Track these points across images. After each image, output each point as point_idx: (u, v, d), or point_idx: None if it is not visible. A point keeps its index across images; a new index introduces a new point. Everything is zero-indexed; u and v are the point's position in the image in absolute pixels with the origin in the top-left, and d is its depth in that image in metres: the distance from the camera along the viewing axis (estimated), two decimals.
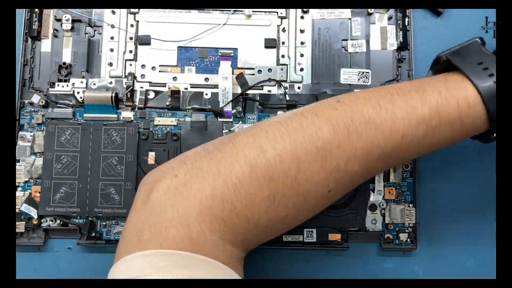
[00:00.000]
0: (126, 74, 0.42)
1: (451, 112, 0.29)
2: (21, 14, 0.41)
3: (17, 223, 0.39)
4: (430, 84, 0.30)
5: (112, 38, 0.42)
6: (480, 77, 0.29)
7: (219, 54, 0.42)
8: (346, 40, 0.43)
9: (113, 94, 0.40)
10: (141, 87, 0.42)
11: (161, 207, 0.27)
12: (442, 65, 0.32)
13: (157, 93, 0.42)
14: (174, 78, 0.42)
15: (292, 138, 0.28)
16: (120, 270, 0.27)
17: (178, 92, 0.41)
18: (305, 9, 0.43)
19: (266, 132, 0.29)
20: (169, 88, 0.42)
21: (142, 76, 0.42)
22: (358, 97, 0.30)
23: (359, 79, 0.42)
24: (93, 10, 0.42)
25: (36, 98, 0.41)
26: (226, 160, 0.28)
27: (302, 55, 0.42)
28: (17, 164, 0.40)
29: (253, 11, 0.43)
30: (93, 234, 0.40)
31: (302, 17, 0.43)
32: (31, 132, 0.40)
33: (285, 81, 0.42)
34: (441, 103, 0.29)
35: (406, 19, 0.42)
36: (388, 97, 0.29)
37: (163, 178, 0.28)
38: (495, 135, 0.31)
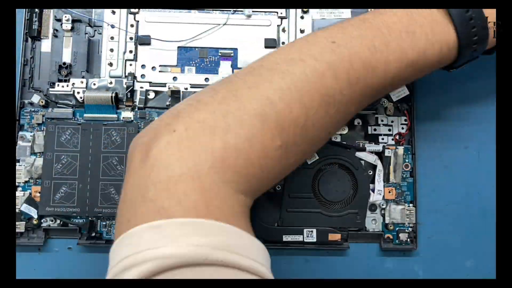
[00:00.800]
0: (126, 74, 0.42)
1: (435, 56, 0.31)
2: (21, 14, 0.41)
3: (17, 223, 0.39)
4: (419, 23, 0.31)
5: (112, 38, 0.42)
6: (464, 25, 0.31)
7: (219, 54, 0.42)
8: None
9: (113, 94, 0.40)
10: (141, 87, 0.42)
11: (166, 162, 0.26)
12: None
13: (157, 93, 0.42)
14: (174, 78, 0.42)
15: (298, 87, 0.28)
16: (126, 245, 0.25)
17: (178, 92, 0.41)
18: (305, 9, 0.43)
19: (270, 82, 0.29)
20: (169, 88, 0.42)
21: (142, 76, 0.42)
22: (353, 36, 0.30)
23: None
24: (93, 10, 0.42)
25: (36, 98, 0.41)
26: (234, 114, 0.28)
27: None
28: (17, 164, 0.40)
29: (253, 11, 0.43)
30: (93, 234, 0.40)
31: (302, 17, 0.43)
32: (31, 132, 0.40)
33: None
34: (427, 47, 0.31)
35: None
36: (381, 38, 0.30)
37: (160, 134, 0.27)
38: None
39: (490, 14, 0.31)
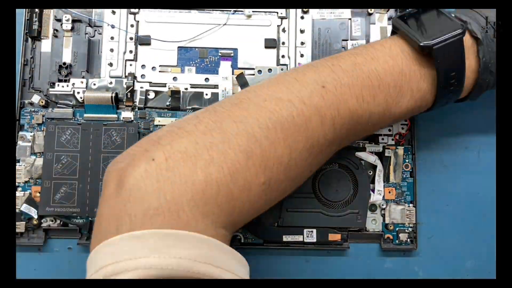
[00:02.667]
0: (126, 74, 0.42)
1: (414, 109, 0.33)
2: (21, 14, 0.41)
3: (17, 223, 0.39)
4: (407, 78, 0.32)
5: (112, 38, 0.42)
6: (445, 90, 0.32)
7: (219, 54, 0.42)
8: (346, 40, 0.43)
9: (113, 94, 0.40)
10: (141, 87, 0.42)
11: (142, 194, 0.25)
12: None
13: (157, 93, 0.42)
14: (174, 78, 0.42)
15: (284, 128, 0.29)
16: (105, 253, 0.25)
17: (178, 92, 0.41)
18: (305, 9, 0.43)
19: (256, 120, 0.28)
20: (169, 88, 0.42)
21: (142, 76, 0.42)
22: (343, 83, 0.30)
23: None
24: (93, 10, 0.42)
25: (36, 98, 0.41)
26: (218, 147, 0.27)
27: (302, 55, 0.42)
28: (17, 164, 0.40)
29: (253, 11, 0.43)
30: None
31: (302, 17, 0.43)
32: (31, 132, 0.40)
33: None
34: (410, 104, 0.32)
35: None
36: (370, 89, 0.31)
37: (137, 162, 0.26)
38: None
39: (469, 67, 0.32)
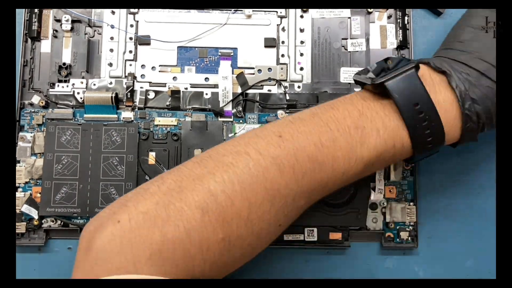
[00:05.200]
0: (126, 74, 0.42)
1: (387, 151, 0.31)
2: (20, 15, 0.41)
3: (18, 224, 0.39)
4: (369, 118, 0.31)
5: (112, 38, 0.42)
6: (415, 124, 0.30)
7: (219, 53, 0.42)
8: (346, 39, 0.43)
9: (113, 95, 0.40)
10: (141, 87, 0.42)
11: (107, 256, 0.27)
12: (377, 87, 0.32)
13: (157, 93, 0.42)
14: (174, 78, 0.42)
15: (241, 180, 0.28)
16: None
17: (178, 92, 0.41)
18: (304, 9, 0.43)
19: (213, 175, 0.29)
20: (169, 88, 0.42)
21: (142, 76, 0.42)
22: (300, 131, 0.30)
23: None
24: (93, 10, 0.42)
25: (36, 99, 0.41)
26: (175, 205, 0.28)
27: (302, 54, 0.42)
28: (18, 165, 0.40)
29: (253, 11, 0.43)
30: None
31: (301, 16, 0.43)
32: (31, 133, 0.40)
33: (285, 80, 0.42)
34: (379, 143, 0.31)
35: (406, 18, 0.42)
36: (328, 134, 0.30)
37: (105, 224, 0.28)
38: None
39: (442, 110, 0.31)
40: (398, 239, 0.41)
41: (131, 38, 0.42)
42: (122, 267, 0.26)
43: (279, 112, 0.41)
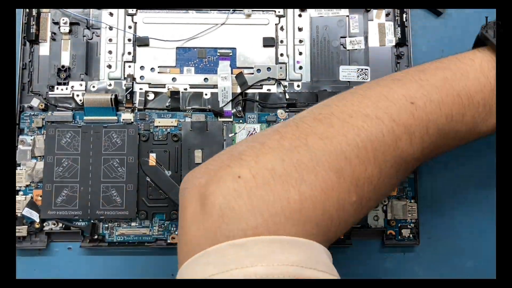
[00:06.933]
0: (125, 76, 0.42)
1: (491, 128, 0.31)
2: (19, 18, 0.41)
3: (19, 227, 0.39)
4: (471, 105, 0.30)
5: (110, 40, 0.42)
6: None
7: (218, 54, 0.42)
8: (345, 37, 0.43)
9: (113, 96, 0.40)
10: (141, 89, 0.42)
11: (237, 214, 0.24)
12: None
13: (156, 94, 0.42)
14: (173, 79, 0.42)
15: (374, 146, 0.28)
16: (204, 264, 0.24)
17: (177, 92, 0.41)
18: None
19: (344, 136, 0.27)
20: (168, 89, 0.42)
21: (141, 77, 0.42)
22: (432, 99, 0.29)
23: (358, 76, 0.42)
24: (91, 12, 0.42)
25: (35, 102, 0.41)
26: (307, 165, 0.26)
27: (300, 53, 0.43)
28: (18, 168, 0.40)
29: (252, 11, 0.43)
30: (96, 237, 0.40)
31: (300, 15, 0.43)
32: (31, 136, 0.40)
33: (284, 79, 0.42)
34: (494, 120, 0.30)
35: (404, 15, 0.43)
36: (460, 107, 0.29)
37: (221, 179, 0.25)
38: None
39: None
40: (399, 237, 0.41)
41: (129, 40, 0.42)
42: (259, 226, 0.24)
43: (279, 111, 0.41)
